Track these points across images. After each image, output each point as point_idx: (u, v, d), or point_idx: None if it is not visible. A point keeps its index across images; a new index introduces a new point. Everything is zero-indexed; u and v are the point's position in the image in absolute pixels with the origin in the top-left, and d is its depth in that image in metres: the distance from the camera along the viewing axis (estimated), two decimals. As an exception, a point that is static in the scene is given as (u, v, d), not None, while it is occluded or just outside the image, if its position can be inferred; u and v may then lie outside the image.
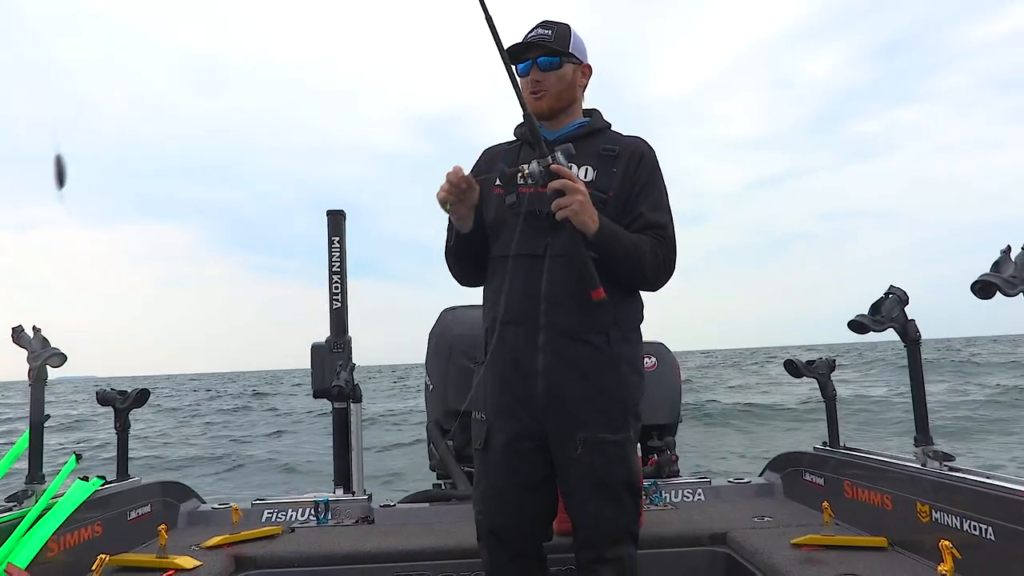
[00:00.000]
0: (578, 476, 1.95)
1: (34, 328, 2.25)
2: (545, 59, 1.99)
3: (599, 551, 1.97)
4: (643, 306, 2.09)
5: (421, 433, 4.35)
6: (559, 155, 1.82)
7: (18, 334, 2.23)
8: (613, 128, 2.12)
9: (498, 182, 2.01)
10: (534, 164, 1.82)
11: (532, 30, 2.03)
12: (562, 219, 1.82)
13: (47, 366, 2.22)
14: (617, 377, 1.98)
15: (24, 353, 2.24)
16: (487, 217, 2.06)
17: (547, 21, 2.03)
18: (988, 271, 1.72)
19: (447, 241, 2.10)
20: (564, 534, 2.19)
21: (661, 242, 1.99)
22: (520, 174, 1.85)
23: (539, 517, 2.06)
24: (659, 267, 1.98)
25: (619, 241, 1.91)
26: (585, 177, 1.98)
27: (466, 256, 2.10)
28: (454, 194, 1.87)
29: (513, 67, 1.91)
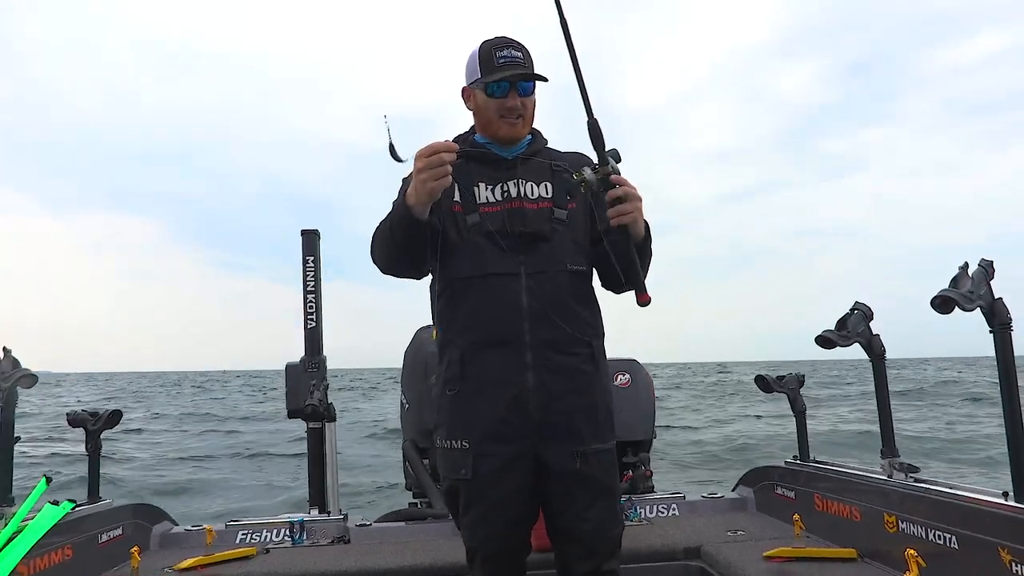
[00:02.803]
0: (577, 487, 1.94)
1: (4, 349, 2.22)
2: (526, 84, 1.97)
3: (599, 562, 1.97)
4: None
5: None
6: (612, 162, 1.81)
7: (-12, 355, 2.21)
8: (550, 145, 2.12)
9: (456, 199, 1.98)
10: (588, 172, 1.78)
11: (502, 49, 1.97)
12: (618, 225, 1.79)
13: (17, 387, 2.20)
14: (602, 387, 2.01)
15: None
16: (445, 236, 1.97)
17: (512, 40, 1.98)
18: (947, 287, 1.78)
19: (392, 227, 1.86)
20: (540, 551, 2.20)
21: None
22: (583, 182, 1.80)
23: (527, 533, 2.05)
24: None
25: (649, 243, 1.94)
26: (545, 193, 1.99)
27: (413, 245, 1.88)
28: (448, 173, 1.72)
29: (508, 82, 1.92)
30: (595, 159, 1.84)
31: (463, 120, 2.13)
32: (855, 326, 2.24)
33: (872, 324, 2.26)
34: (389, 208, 2.06)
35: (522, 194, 1.99)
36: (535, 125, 2.11)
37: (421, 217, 1.79)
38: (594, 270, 2.06)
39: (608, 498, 1.98)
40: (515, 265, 1.93)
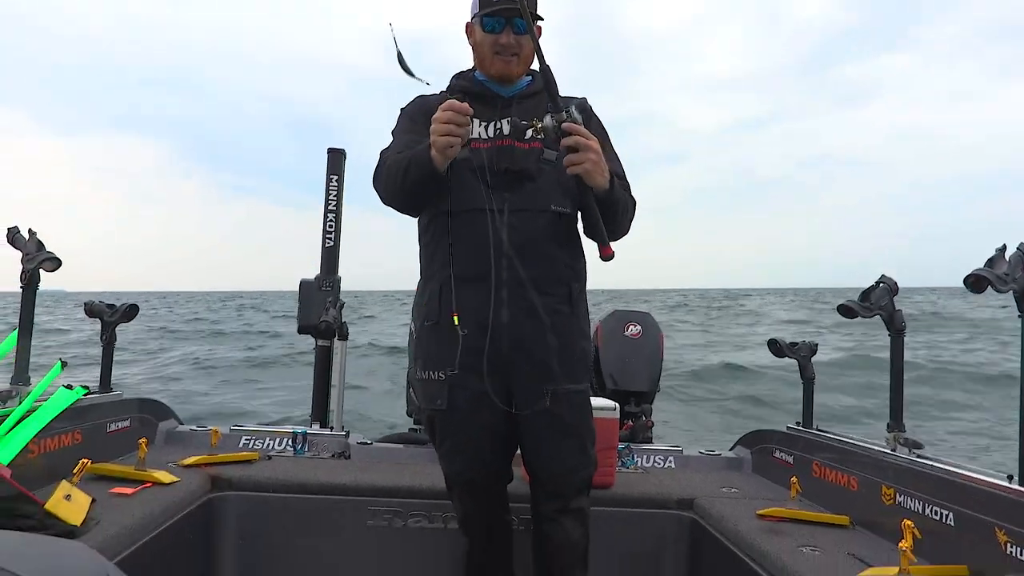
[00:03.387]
0: (547, 427, 2.00)
1: (30, 231, 2.23)
2: (522, 22, 1.95)
3: (566, 501, 2.05)
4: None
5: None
6: (573, 111, 1.82)
7: (13, 235, 2.22)
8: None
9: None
10: (548, 119, 1.81)
11: None
12: (573, 175, 1.84)
13: (40, 270, 2.22)
14: (578, 328, 2.05)
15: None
16: None
17: None
18: (982, 266, 1.76)
19: (406, 169, 1.90)
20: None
21: (628, 190, 2.07)
22: (533, 128, 1.85)
23: (504, 464, 2.14)
24: (633, 213, 2.07)
25: (619, 193, 1.96)
26: (538, 134, 1.97)
27: (421, 191, 1.95)
28: (463, 133, 1.79)
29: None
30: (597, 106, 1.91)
31: (462, 41, 2.12)
32: (879, 299, 2.23)
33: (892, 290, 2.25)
34: (390, 138, 2.09)
35: None
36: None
37: (440, 168, 1.83)
38: (579, 215, 2.07)
39: (576, 439, 2.04)
40: (499, 202, 1.95)
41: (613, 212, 1.94)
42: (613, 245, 1.86)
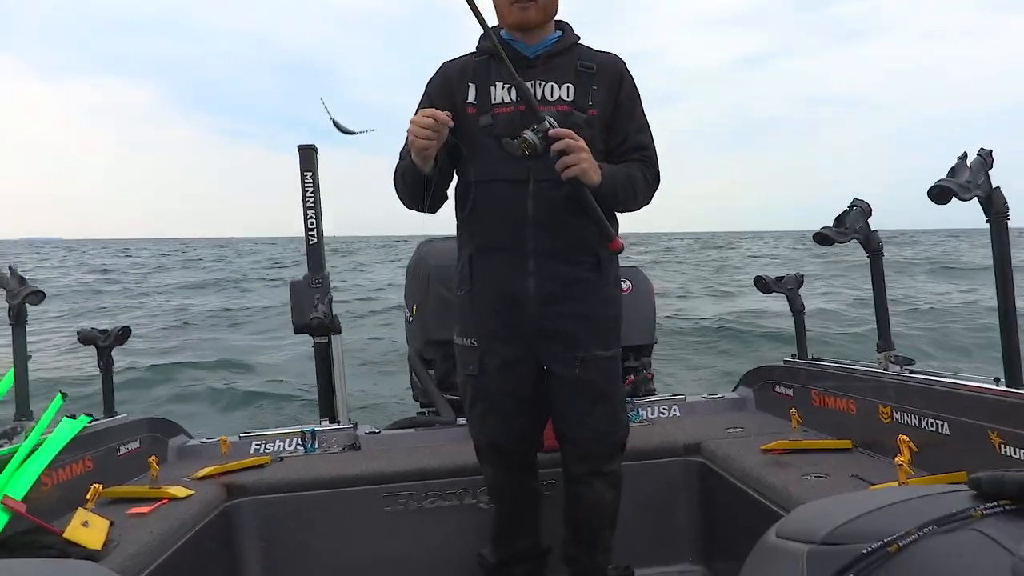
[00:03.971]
0: (577, 392, 2.02)
1: (10, 268, 2.25)
2: None
3: (596, 465, 2.08)
4: (618, 226, 2.11)
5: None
6: (550, 119, 1.80)
7: (-6, 275, 2.24)
8: (582, 42, 2.06)
9: (471, 100, 1.98)
10: (529, 133, 1.78)
11: None
12: (568, 179, 1.82)
13: (27, 304, 2.23)
14: (608, 295, 2.05)
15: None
16: (460, 138, 1.96)
17: None
18: (944, 177, 1.77)
19: (403, 174, 1.99)
20: (550, 450, 2.28)
21: (648, 163, 2.05)
22: (525, 145, 1.79)
23: (534, 430, 2.15)
24: (649, 189, 2.05)
25: (616, 181, 1.94)
26: (566, 96, 1.96)
27: (423, 193, 1.99)
28: (435, 139, 1.79)
29: None
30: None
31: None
32: (853, 222, 2.24)
33: (871, 218, 2.27)
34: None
35: (540, 96, 1.95)
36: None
37: (423, 171, 1.85)
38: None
39: (607, 404, 2.05)
40: (524, 171, 1.91)
41: (613, 201, 1.95)
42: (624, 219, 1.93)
